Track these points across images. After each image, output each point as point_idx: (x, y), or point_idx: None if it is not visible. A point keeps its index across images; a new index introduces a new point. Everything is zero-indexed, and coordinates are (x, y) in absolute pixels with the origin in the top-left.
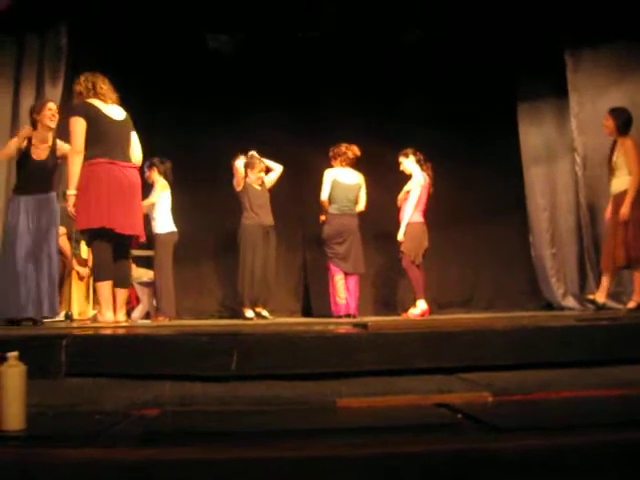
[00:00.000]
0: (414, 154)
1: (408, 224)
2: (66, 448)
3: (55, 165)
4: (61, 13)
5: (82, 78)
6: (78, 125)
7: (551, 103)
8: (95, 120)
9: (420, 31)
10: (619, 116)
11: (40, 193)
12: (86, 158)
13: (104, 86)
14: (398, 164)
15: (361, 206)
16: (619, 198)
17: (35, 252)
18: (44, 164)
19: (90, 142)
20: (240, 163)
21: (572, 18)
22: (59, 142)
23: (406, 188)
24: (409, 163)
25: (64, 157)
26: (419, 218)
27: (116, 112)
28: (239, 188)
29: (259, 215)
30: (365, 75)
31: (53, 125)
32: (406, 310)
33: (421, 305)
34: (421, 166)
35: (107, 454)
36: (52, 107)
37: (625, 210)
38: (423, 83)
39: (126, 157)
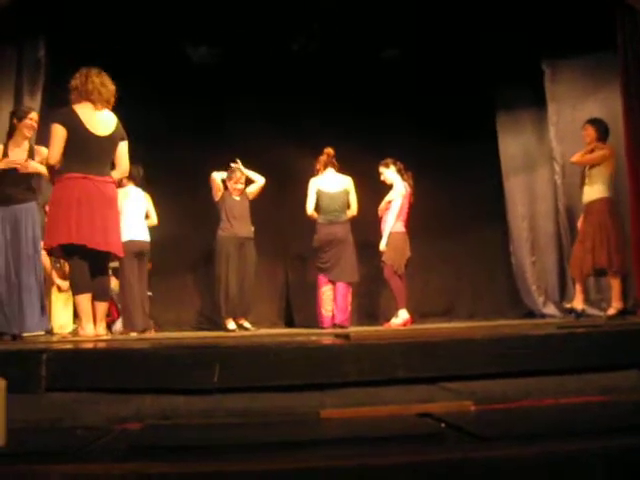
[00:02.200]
0: (394, 164)
1: (390, 234)
2: (48, 464)
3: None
4: (39, 26)
5: (77, 74)
6: (58, 133)
7: (530, 112)
8: (75, 132)
9: (400, 44)
10: (599, 125)
11: (19, 202)
12: (60, 172)
13: (96, 79)
14: (379, 174)
15: (353, 210)
16: (591, 206)
17: (16, 266)
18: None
19: (66, 154)
20: (217, 175)
21: (549, 29)
22: (36, 147)
23: (387, 198)
24: (390, 173)
25: (42, 162)
26: (401, 228)
27: (103, 122)
28: (217, 198)
29: (234, 226)
30: (347, 86)
31: (29, 135)
32: (388, 320)
33: (403, 315)
34: (402, 176)
35: (89, 469)
36: (33, 117)
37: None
38: (404, 93)
39: (104, 172)
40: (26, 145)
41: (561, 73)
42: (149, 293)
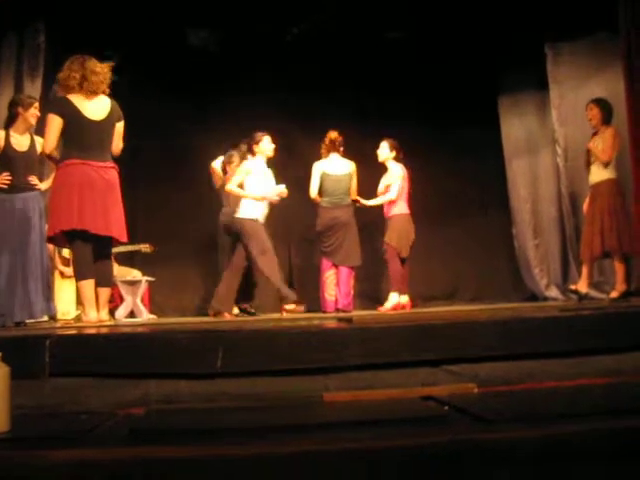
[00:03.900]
0: (399, 151)
1: (393, 216)
2: (52, 449)
3: (36, 159)
4: (39, 11)
5: (65, 64)
6: (54, 123)
7: (532, 95)
8: (72, 120)
9: (403, 27)
10: (605, 106)
11: (26, 191)
12: (60, 159)
13: (81, 69)
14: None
15: (352, 195)
16: (598, 188)
17: (23, 253)
18: (26, 155)
19: (65, 142)
20: (217, 163)
21: (551, 11)
22: (35, 136)
23: (385, 182)
24: (388, 154)
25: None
26: (405, 209)
27: (98, 107)
28: (217, 186)
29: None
30: (350, 69)
31: (34, 123)
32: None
33: (393, 299)
34: (396, 161)
35: (94, 454)
36: (37, 106)
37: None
38: (406, 77)
39: (104, 157)
40: (28, 134)
41: (563, 55)
42: (152, 279)
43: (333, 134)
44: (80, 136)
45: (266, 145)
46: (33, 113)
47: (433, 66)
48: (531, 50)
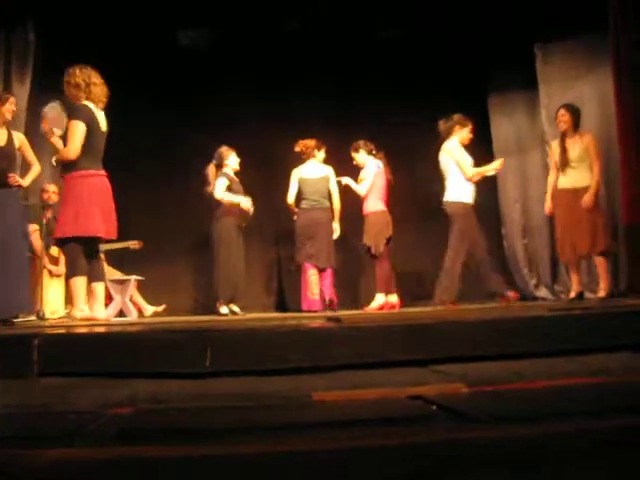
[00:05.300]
0: (365, 145)
1: (368, 214)
2: (40, 448)
3: (14, 153)
4: (28, 9)
5: (75, 72)
6: (80, 129)
7: (522, 95)
8: (92, 130)
9: (393, 27)
10: (575, 111)
11: (5, 187)
12: (75, 167)
13: (95, 79)
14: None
15: (335, 198)
16: (581, 192)
17: (3, 250)
18: (4, 150)
19: (83, 151)
20: (233, 160)
21: (542, 11)
22: (14, 132)
23: (360, 178)
24: (360, 157)
25: (21, 148)
26: (379, 206)
27: (103, 121)
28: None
29: (235, 212)
30: (339, 70)
31: (10, 118)
32: (368, 303)
33: (380, 299)
34: (373, 156)
35: (82, 453)
36: (13, 102)
37: (588, 199)
38: (396, 77)
39: (103, 167)
40: (4, 129)
41: (553, 55)
42: (141, 278)
43: (306, 142)
44: (95, 146)
45: (467, 132)
46: (9, 108)
47: (422, 66)
48: (521, 50)
